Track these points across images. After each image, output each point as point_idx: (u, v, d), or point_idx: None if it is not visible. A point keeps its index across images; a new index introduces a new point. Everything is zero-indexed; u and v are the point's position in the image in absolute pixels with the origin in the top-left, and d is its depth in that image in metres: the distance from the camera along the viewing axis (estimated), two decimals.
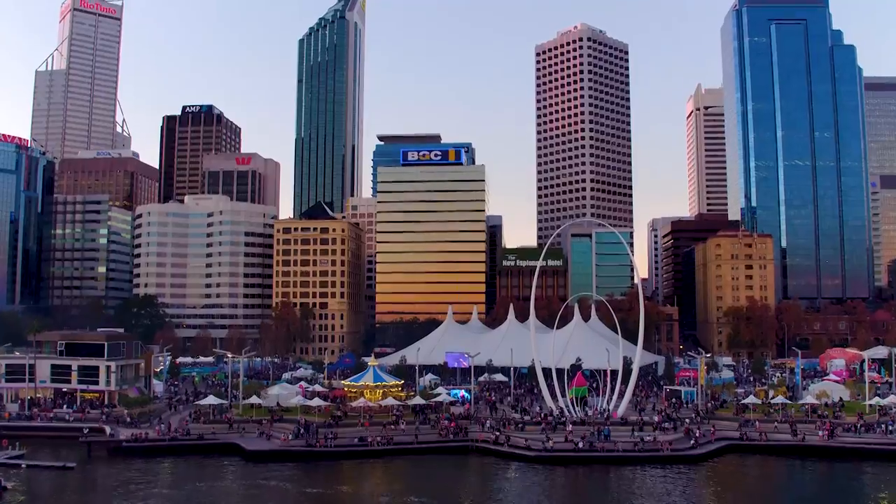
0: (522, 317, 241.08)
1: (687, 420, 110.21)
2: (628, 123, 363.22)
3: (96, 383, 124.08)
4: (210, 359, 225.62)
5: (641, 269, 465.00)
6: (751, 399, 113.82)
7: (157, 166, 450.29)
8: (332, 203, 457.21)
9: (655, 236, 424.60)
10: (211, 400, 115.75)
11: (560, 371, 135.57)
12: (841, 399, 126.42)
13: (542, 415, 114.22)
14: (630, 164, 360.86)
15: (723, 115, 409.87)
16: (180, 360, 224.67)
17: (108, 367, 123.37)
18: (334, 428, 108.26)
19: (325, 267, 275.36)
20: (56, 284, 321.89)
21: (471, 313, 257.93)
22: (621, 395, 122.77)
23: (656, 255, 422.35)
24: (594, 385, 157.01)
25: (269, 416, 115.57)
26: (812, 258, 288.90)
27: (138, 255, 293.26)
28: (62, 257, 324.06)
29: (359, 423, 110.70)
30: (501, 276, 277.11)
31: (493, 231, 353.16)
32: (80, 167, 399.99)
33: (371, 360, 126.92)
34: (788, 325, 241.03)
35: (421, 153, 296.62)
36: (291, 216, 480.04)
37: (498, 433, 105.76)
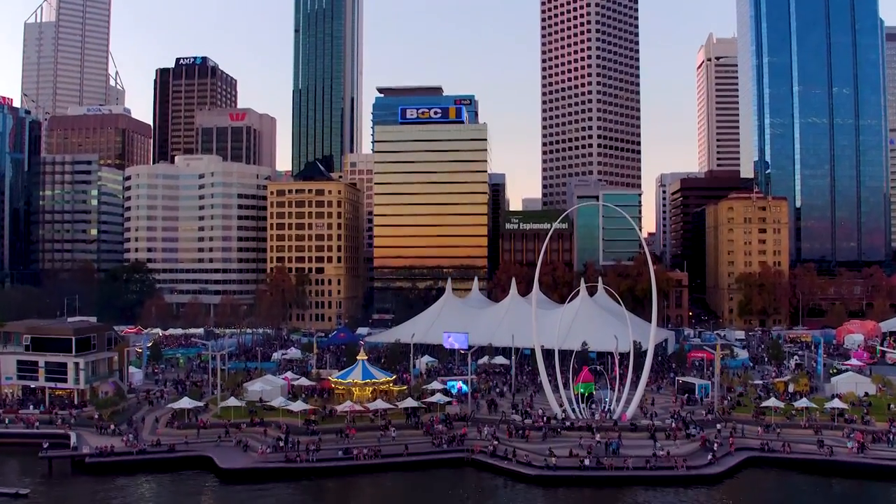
0: (525, 285, 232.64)
1: (701, 429, 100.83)
2: (637, 77, 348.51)
3: (65, 381, 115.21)
4: (200, 330, 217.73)
5: (649, 225, 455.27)
6: (772, 402, 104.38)
7: (150, 122, 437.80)
8: (332, 157, 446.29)
9: (664, 192, 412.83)
10: (185, 403, 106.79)
11: (564, 354, 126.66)
12: (867, 394, 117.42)
13: (545, 418, 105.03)
14: (639, 119, 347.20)
15: (735, 66, 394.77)
16: (170, 331, 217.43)
17: (76, 364, 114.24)
18: (317, 433, 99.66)
19: (320, 231, 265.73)
20: (46, 248, 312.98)
21: (471, 280, 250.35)
22: (633, 385, 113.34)
23: (664, 213, 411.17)
24: (601, 367, 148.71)
25: (248, 416, 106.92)
26: (827, 220, 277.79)
27: (128, 219, 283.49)
28: (52, 219, 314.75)
29: (346, 426, 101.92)
30: (504, 240, 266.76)
31: (496, 189, 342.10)
32: (70, 125, 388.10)
33: (360, 355, 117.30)
34: (802, 292, 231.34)
35: (420, 110, 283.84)
36: (290, 169, 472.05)
37: (496, 442, 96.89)
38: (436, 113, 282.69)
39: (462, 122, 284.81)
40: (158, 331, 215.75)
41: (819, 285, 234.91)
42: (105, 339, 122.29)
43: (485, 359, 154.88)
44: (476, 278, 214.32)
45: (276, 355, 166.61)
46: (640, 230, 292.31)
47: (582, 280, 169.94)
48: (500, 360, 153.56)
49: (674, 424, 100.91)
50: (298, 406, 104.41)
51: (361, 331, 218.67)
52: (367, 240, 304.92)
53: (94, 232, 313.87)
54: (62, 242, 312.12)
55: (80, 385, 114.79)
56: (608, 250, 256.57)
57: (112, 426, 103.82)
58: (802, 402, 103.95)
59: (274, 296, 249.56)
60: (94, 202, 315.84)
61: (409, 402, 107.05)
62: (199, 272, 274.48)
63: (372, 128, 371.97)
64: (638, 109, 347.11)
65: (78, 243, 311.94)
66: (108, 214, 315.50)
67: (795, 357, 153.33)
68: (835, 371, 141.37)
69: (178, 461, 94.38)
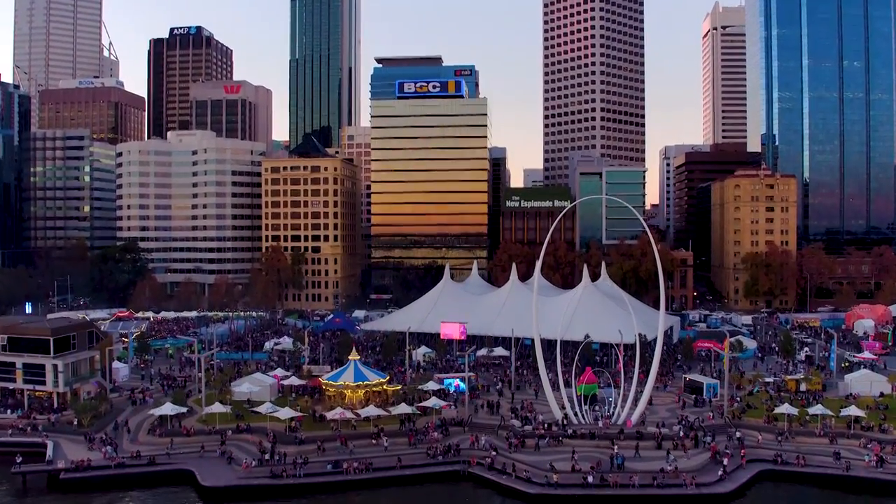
0: (526, 265, 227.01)
1: (712, 436, 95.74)
2: (642, 47, 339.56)
3: (44, 383, 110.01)
4: (193, 313, 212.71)
5: (652, 197, 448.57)
6: (785, 408, 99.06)
7: (144, 95, 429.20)
8: (330, 129, 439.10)
9: (668, 165, 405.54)
10: (167, 409, 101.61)
11: (566, 346, 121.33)
12: (882, 395, 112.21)
13: (546, 425, 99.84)
14: (643, 91, 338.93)
15: (742, 34, 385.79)
16: (162, 314, 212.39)
17: (54, 366, 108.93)
18: (305, 442, 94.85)
19: (316, 209, 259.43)
20: (38, 226, 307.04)
21: (472, 249, 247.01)
22: (640, 382, 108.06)
23: (668, 185, 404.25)
24: (604, 359, 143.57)
25: (235, 422, 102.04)
26: (836, 197, 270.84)
27: (120, 197, 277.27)
28: (43, 196, 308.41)
29: (336, 435, 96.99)
30: (505, 218, 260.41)
31: (497, 163, 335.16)
32: (62, 98, 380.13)
33: (352, 355, 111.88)
34: (810, 273, 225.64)
35: (418, 84, 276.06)
36: (287, 138, 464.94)
37: (494, 453, 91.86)
38: (434, 87, 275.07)
39: (462, 97, 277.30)
40: (150, 314, 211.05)
41: (827, 265, 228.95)
42: (86, 338, 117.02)
43: (483, 350, 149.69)
44: (475, 262, 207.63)
45: (268, 345, 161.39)
46: (644, 207, 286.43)
47: (585, 268, 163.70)
48: (499, 351, 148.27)
49: (682, 433, 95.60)
50: (286, 413, 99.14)
51: (358, 314, 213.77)
52: (366, 215, 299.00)
53: (86, 209, 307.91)
54: (54, 220, 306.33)
55: (60, 388, 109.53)
56: (611, 228, 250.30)
57: (91, 435, 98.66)
58: (817, 409, 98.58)
59: (269, 275, 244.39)
60: (87, 178, 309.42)
61: (403, 409, 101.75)
62: (193, 251, 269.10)
63: (371, 99, 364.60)
64: (642, 81, 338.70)
65: (71, 220, 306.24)
66: (101, 191, 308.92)
67: (806, 349, 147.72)
68: (847, 365, 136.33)
69: (158, 476, 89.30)
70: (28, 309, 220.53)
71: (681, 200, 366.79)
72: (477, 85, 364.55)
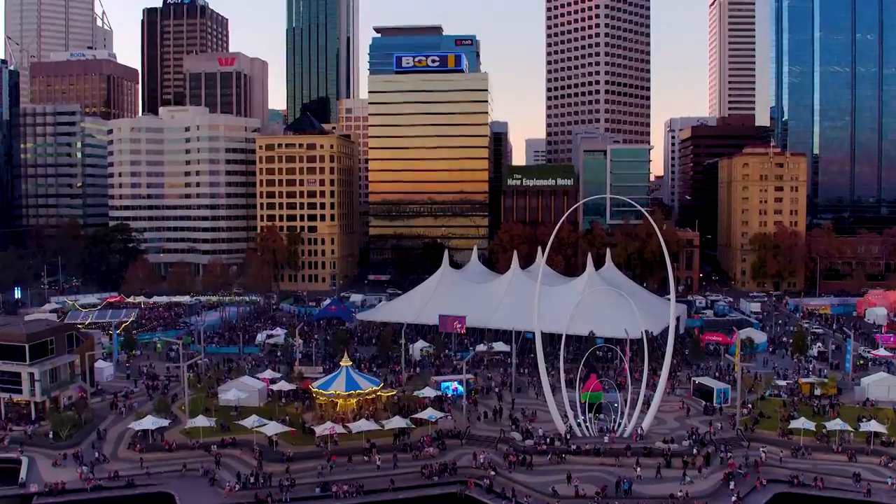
0: (528, 246, 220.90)
1: (728, 451, 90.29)
2: (648, 18, 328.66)
3: (20, 391, 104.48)
4: (187, 298, 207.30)
5: (656, 168, 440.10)
6: (802, 423, 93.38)
7: (138, 67, 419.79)
8: (328, 99, 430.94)
9: (673, 137, 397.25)
10: (148, 423, 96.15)
11: (569, 341, 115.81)
12: None
13: (547, 439, 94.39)
14: (649, 63, 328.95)
15: (751, 3, 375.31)
16: (154, 299, 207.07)
17: (31, 375, 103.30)
18: (292, 460, 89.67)
19: (313, 187, 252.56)
20: (31, 203, 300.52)
21: (472, 226, 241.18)
22: (650, 386, 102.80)
23: (673, 159, 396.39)
24: (609, 356, 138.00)
25: (220, 434, 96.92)
26: (846, 175, 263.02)
27: (111, 175, 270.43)
28: (35, 174, 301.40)
29: (325, 454, 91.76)
30: (506, 197, 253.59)
31: (498, 138, 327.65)
32: (53, 71, 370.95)
33: (344, 361, 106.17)
34: (820, 255, 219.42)
35: (416, 59, 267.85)
36: (285, 108, 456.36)
37: (493, 473, 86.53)
38: (433, 61, 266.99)
39: (461, 71, 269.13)
40: (142, 300, 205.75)
41: (837, 246, 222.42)
42: (65, 341, 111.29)
43: (483, 345, 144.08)
44: (475, 246, 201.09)
45: (260, 337, 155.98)
46: (650, 183, 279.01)
47: (589, 258, 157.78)
48: (500, 346, 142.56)
49: (695, 450, 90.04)
50: (273, 429, 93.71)
51: (355, 298, 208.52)
52: (364, 189, 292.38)
53: (79, 185, 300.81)
54: (46, 198, 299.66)
55: (37, 397, 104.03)
56: (615, 208, 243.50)
57: (67, 453, 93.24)
58: (835, 425, 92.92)
59: (264, 256, 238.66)
60: (79, 155, 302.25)
61: (398, 422, 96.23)
62: (187, 230, 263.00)
63: (369, 73, 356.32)
64: (648, 53, 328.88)
65: (63, 198, 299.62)
66: (93, 167, 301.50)
67: (819, 344, 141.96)
68: (861, 363, 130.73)
69: (136, 499, 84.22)
70: (18, 294, 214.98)
71: (686, 175, 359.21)
72: (478, 55, 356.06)
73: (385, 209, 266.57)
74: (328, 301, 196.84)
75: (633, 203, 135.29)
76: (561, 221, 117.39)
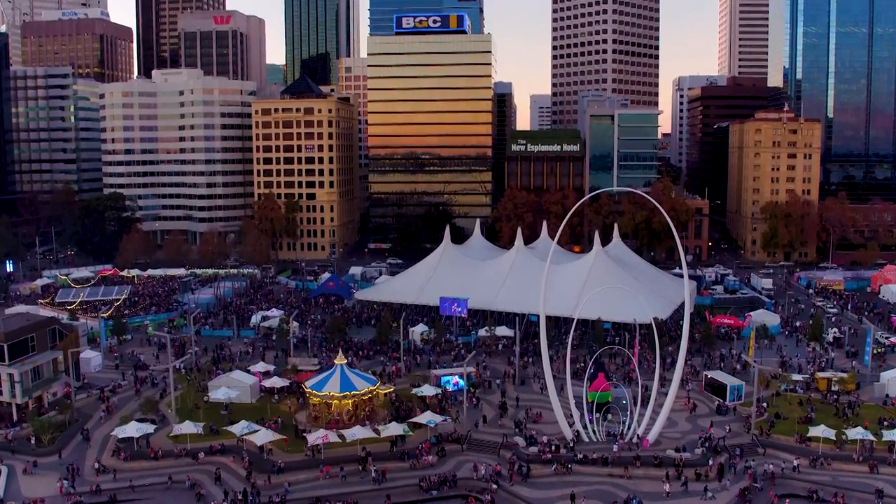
0: (532, 214, 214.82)
1: (746, 460, 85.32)
2: None
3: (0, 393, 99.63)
4: (181, 270, 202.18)
5: (664, 126, 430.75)
6: (821, 430, 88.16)
7: (133, 26, 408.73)
8: (328, 56, 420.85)
9: (681, 96, 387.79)
10: (132, 430, 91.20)
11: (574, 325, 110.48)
12: None
13: (552, 446, 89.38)
14: (657, 21, 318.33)
15: None
16: (149, 272, 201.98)
17: (10, 376, 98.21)
18: (283, 470, 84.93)
19: (311, 153, 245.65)
20: (24, 169, 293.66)
21: (475, 182, 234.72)
22: (662, 381, 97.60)
23: (681, 119, 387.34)
24: (617, 341, 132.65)
25: (208, 438, 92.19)
26: (861, 140, 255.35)
27: (104, 141, 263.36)
28: (27, 139, 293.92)
29: (316, 461, 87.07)
30: (510, 163, 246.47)
31: (502, 99, 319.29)
32: (44, 31, 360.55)
33: (339, 359, 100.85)
34: (832, 225, 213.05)
35: (417, 19, 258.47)
36: (284, 63, 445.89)
37: (495, 487, 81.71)
38: (435, 22, 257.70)
39: (464, 32, 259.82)
40: (136, 272, 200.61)
41: (850, 217, 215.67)
42: (47, 336, 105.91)
43: (485, 330, 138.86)
44: (478, 220, 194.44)
45: (254, 319, 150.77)
46: (658, 144, 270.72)
47: (596, 236, 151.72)
48: (503, 330, 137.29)
49: (710, 461, 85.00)
50: (262, 438, 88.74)
51: (355, 270, 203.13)
52: (364, 151, 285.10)
53: (73, 148, 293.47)
54: (39, 163, 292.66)
55: (18, 399, 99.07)
56: (624, 175, 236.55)
57: (40, 461, 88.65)
58: (857, 433, 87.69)
59: (262, 225, 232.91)
60: (72, 119, 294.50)
61: (394, 429, 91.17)
62: (182, 198, 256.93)
63: (370, 25, 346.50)
64: (657, 10, 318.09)
65: (57, 164, 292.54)
66: (87, 131, 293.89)
67: (834, 330, 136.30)
68: (880, 350, 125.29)
69: None
70: (9, 267, 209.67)
71: (694, 136, 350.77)
72: (481, 11, 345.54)
73: (385, 164, 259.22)
74: (326, 276, 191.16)
75: (637, 192, 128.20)
76: (568, 217, 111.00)
